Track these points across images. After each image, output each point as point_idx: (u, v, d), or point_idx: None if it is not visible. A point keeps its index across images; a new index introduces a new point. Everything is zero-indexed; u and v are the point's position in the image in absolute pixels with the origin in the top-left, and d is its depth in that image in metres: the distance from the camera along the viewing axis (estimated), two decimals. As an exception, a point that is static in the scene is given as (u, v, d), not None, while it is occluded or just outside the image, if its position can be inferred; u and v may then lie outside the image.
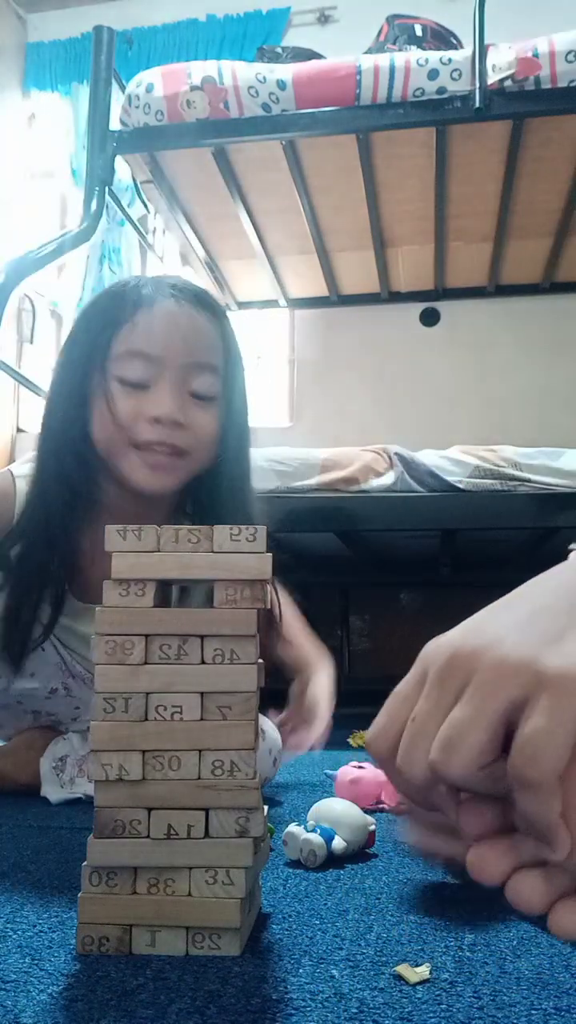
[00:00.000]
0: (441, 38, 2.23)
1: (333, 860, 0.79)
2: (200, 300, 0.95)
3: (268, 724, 1.04)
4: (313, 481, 1.83)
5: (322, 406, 3.09)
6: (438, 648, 0.38)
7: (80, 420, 0.94)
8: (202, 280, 2.94)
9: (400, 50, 2.12)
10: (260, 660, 0.60)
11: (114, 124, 2.11)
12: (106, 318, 0.93)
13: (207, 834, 0.56)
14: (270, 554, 0.58)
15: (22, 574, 0.96)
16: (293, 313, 3.29)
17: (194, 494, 1.03)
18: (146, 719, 0.57)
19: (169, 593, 0.64)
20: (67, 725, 1.12)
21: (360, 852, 0.82)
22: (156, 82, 2.04)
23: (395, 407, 3.02)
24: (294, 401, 3.28)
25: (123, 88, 2.20)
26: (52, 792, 1.04)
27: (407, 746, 0.37)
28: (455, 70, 1.92)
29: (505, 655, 0.34)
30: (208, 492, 1.00)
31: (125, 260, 3.74)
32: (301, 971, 0.53)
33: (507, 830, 0.36)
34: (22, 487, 1.00)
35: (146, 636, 0.57)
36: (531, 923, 0.62)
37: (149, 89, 2.04)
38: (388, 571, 2.46)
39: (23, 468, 1.01)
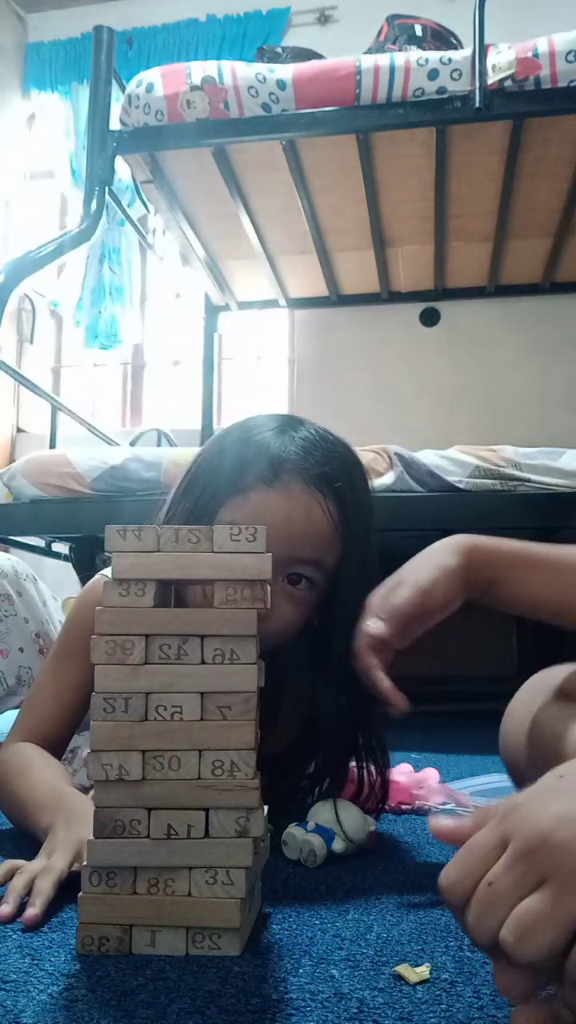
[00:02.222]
0: (441, 38, 2.23)
1: (333, 860, 0.79)
2: (327, 483, 0.83)
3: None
4: (313, 481, 1.83)
5: (322, 406, 3.09)
6: (525, 822, 0.40)
7: None
8: (202, 280, 2.94)
9: (400, 50, 2.12)
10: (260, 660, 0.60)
11: (114, 124, 2.11)
12: (223, 480, 0.84)
13: (207, 834, 0.56)
14: (270, 555, 0.58)
15: None
16: (293, 313, 3.29)
17: (313, 632, 0.92)
18: (146, 719, 0.57)
19: (169, 593, 0.64)
20: None
21: (360, 852, 0.82)
22: (156, 82, 2.04)
23: (395, 407, 3.01)
24: (294, 401, 3.28)
25: (123, 88, 2.20)
26: None
27: (480, 911, 0.40)
28: (455, 70, 1.92)
29: None
30: (321, 638, 0.90)
31: (125, 260, 3.74)
32: (301, 971, 0.53)
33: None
34: None
35: (146, 636, 0.57)
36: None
37: (149, 89, 2.04)
38: (388, 571, 2.46)
39: None
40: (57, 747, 0.88)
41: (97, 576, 0.95)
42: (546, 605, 0.79)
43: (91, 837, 0.57)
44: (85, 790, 1.01)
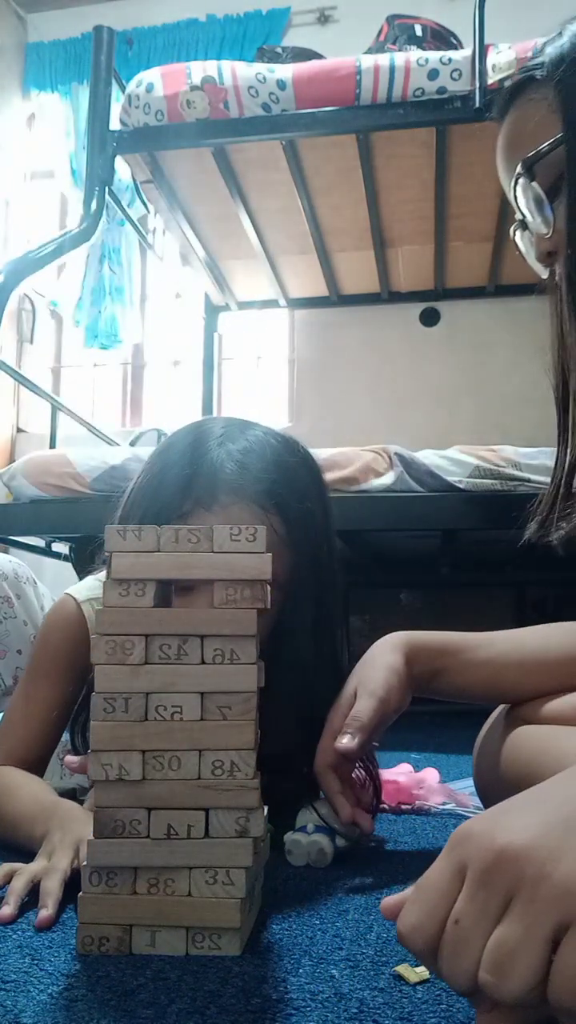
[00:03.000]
0: (441, 38, 2.23)
1: (335, 856, 0.78)
2: (268, 498, 0.80)
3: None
4: (313, 481, 1.83)
5: (322, 406, 3.09)
6: (479, 842, 0.38)
7: None
8: (202, 280, 2.94)
9: (400, 50, 2.12)
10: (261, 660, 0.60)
11: (114, 124, 2.11)
12: (162, 504, 0.81)
13: (207, 834, 0.56)
14: (270, 554, 0.58)
15: None
16: (293, 313, 3.29)
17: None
18: (146, 719, 0.57)
19: (169, 593, 0.64)
20: None
21: (359, 851, 0.82)
22: (156, 82, 2.04)
23: (395, 407, 3.01)
24: (294, 401, 3.28)
25: (123, 88, 2.20)
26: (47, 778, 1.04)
27: (452, 953, 0.37)
28: (455, 70, 1.92)
29: (562, 878, 0.35)
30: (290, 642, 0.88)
31: (125, 260, 3.74)
32: (301, 971, 0.53)
33: None
34: (90, 612, 0.91)
35: (146, 636, 0.57)
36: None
37: (149, 89, 2.04)
38: (388, 571, 2.47)
39: (83, 591, 0.93)
40: (35, 767, 0.87)
41: (63, 596, 0.94)
42: (481, 691, 0.83)
43: (90, 837, 0.57)
44: (85, 790, 1.01)
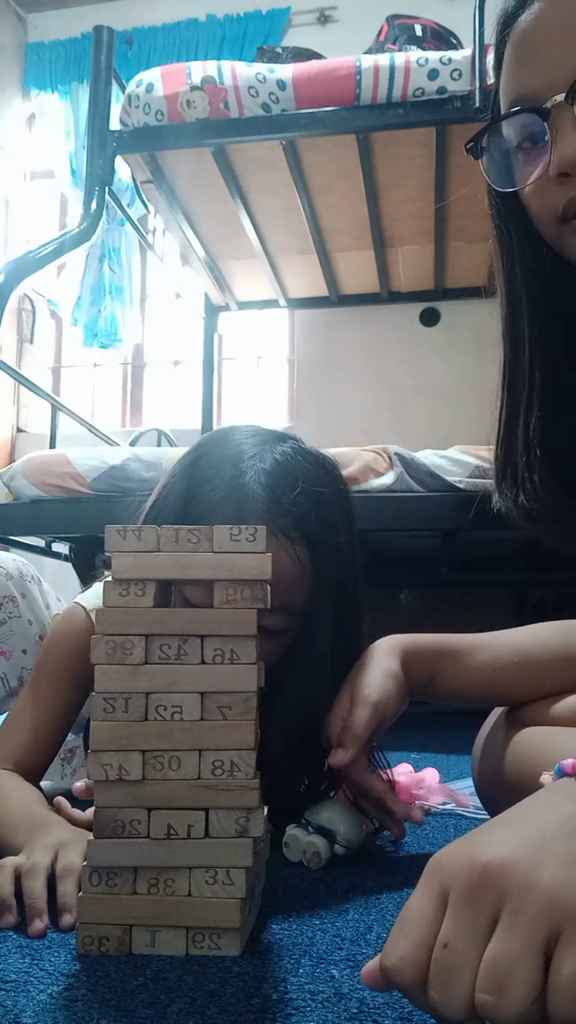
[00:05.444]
0: (441, 38, 2.23)
1: (332, 860, 0.78)
2: (297, 529, 0.78)
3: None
4: (313, 481, 1.82)
5: (322, 406, 3.09)
6: (460, 864, 0.37)
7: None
8: (202, 280, 2.94)
9: (400, 50, 2.12)
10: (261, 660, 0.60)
11: (114, 124, 2.11)
12: (191, 523, 0.74)
13: (207, 834, 0.56)
14: (269, 554, 0.58)
15: None
16: (293, 313, 3.29)
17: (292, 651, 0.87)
18: (146, 719, 0.57)
19: (169, 593, 0.64)
20: None
21: (360, 852, 0.82)
22: (156, 82, 2.04)
23: (395, 407, 3.01)
24: (294, 401, 3.28)
25: (123, 88, 2.20)
26: (47, 780, 1.04)
27: (445, 979, 0.35)
28: (455, 70, 1.92)
29: (548, 884, 0.34)
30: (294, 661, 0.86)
31: (125, 260, 3.74)
32: (301, 971, 0.53)
33: None
34: None
35: (146, 636, 0.57)
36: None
37: (149, 89, 2.04)
38: (388, 571, 2.46)
39: (91, 599, 0.92)
40: (33, 774, 0.87)
41: (72, 605, 0.94)
42: (479, 694, 0.83)
43: (71, 839, 0.56)
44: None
